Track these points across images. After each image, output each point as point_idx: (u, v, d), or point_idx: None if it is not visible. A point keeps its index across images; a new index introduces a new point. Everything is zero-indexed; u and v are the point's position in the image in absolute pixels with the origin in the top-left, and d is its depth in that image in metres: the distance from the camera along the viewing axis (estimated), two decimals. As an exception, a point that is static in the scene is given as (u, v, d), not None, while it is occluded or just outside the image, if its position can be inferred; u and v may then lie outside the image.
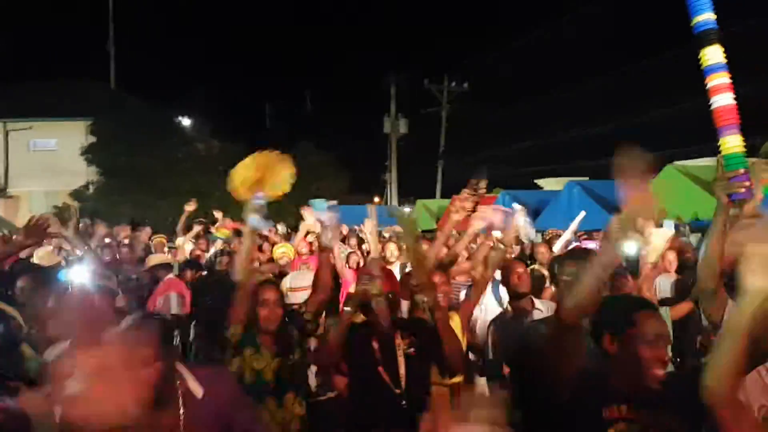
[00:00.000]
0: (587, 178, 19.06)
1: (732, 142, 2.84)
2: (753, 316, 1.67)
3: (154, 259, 7.39)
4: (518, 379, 3.05)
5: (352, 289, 6.15)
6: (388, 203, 31.55)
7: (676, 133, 22.28)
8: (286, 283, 5.32)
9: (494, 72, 32.07)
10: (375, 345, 3.31)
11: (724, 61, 2.89)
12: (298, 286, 5.02)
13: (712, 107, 2.90)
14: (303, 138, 32.43)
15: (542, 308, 4.46)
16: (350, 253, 8.78)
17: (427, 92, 31.50)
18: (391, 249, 7.61)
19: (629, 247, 4.37)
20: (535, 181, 21.98)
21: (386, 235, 15.19)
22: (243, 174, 3.68)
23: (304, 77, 38.65)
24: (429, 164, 32.17)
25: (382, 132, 32.05)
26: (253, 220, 3.35)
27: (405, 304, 3.74)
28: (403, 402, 3.20)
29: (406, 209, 25.43)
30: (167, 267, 7.17)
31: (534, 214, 14.62)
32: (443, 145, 31.44)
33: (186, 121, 33.75)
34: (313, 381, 4.04)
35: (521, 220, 4.71)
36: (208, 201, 28.65)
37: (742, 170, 2.78)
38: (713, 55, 2.87)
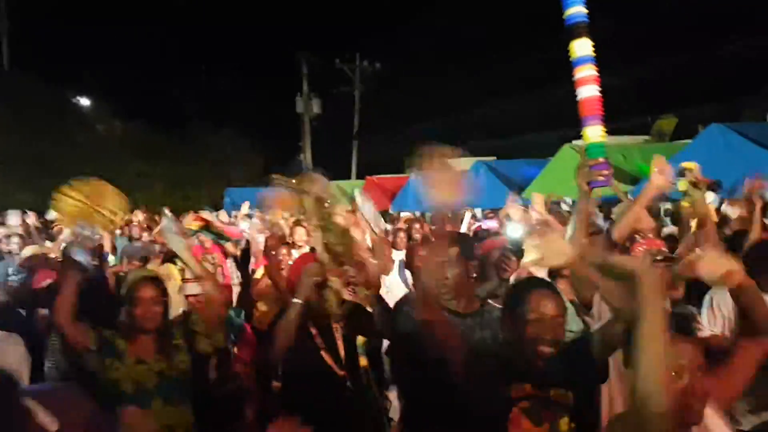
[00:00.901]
0: (494, 157, 19.62)
1: (593, 133, 2.97)
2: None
3: (28, 250, 6.68)
4: (407, 362, 3.10)
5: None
6: (304, 185, 31.18)
7: (574, 112, 23.19)
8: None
9: (406, 51, 32.23)
10: (314, 331, 3.33)
11: (592, 53, 2.99)
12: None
13: (578, 98, 3.01)
14: (210, 118, 31.54)
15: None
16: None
17: (339, 71, 31.29)
18: (300, 233, 7.37)
19: (514, 230, 4.49)
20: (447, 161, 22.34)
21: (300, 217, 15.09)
22: (71, 202, 3.46)
23: (209, 54, 37.29)
24: (343, 145, 32.09)
25: (294, 112, 31.62)
26: (79, 254, 3.14)
27: None
28: (348, 383, 3.28)
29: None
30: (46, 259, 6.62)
31: (444, 193, 14.90)
32: (357, 125, 31.38)
33: (85, 101, 32.03)
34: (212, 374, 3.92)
35: (368, 211, 4.68)
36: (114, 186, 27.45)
37: (601, 159, 2.92)
38: (581, 47, 2.96)
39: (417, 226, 8.55)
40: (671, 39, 23.23)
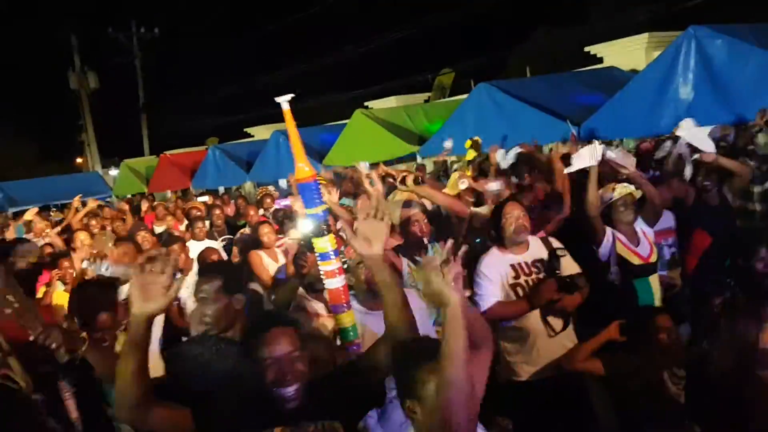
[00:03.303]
0: (295, 123, 19.61)
1: (346, 319, 2.82)
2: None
3: None
4: None
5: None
6: (91, 167, 28.69)
7: (364, 73, 23.96)
8: None
9: (185, 14, 30.57)
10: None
11: (334, 247, 2.79)
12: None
13: (326, 288, 2.81)
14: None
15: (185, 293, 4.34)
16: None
17: (114, 41, 28.76)
18: (81, 237, 6.74)
19: (304, 225, 4.54)
20: (246, 129, 21.89)
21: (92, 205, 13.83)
22: None
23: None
24: (131, 120, 29.84)
25: (68, 88, 28.57)
26: None
27: None
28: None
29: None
30: None
31: (246, 166, 14.64)
32: (143, 99, 29.29)
33: None
34: None
35: None
36: None
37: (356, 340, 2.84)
38: (324, 244, 2.77)
39: (218, 212, 8.32)
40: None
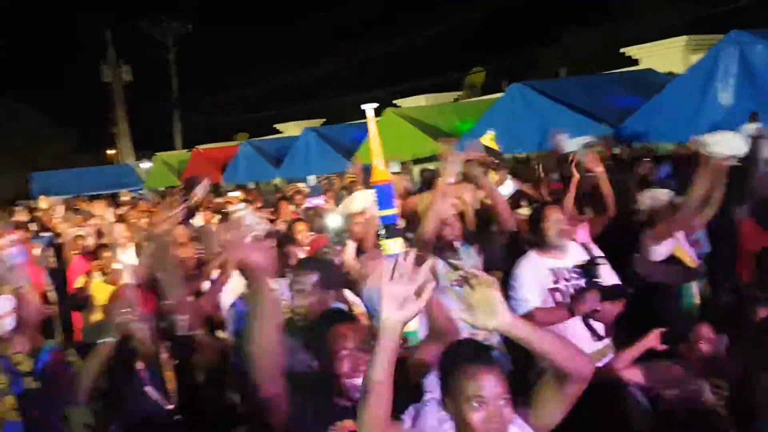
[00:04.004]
0: (324, 120, 19.73)
1: None
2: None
3: None
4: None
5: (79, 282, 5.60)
6: (123, 160, 29.15)
7: (394, 71, 23.94)
8: None
9: (218, 9, 30.85)
10: (139, 365, 3.19)
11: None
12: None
13: None
14: (5, 93, 28.06)
15: (277, 286, 4.54)
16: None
17: (148, 35, 29.17)
18: (119, 230, 6.81)
19: (333, 221, 4.53)
20: (276, 125, 22.05)
21: (124, 198, 14.04)
22: None
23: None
24: (164, 114, 30.25)
25: (101, 81, 29.06)
26: None
27: None
28: (176, 416, 3.20)
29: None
30: None
31: (276, 162, 14.78)
32: (176, 93, 29.66)
33: None
34: None
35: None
36: None
37: None
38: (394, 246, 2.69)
39: (251, 207, 8.39)
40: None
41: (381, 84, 21.83)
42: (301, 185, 10.29)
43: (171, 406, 3.19)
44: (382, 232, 2.86)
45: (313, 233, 6.00)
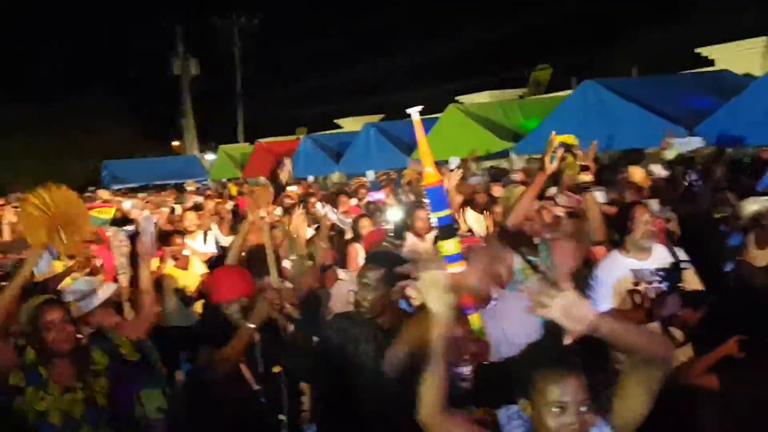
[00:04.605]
0: (383, 116, 19.74)
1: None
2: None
3: None
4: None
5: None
6: (188, 151, 29.97)
7: (456, 68, 23.75)
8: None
9: (284, 4, 31.30)
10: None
11: (459, 251, 2.75)
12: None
13: None
14: (80, 84, 29.29)
15: (346, 277, 4.57)
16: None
17: (216, 29, 29.90)
18: (191, 218, 7.03)
19: (393, 214, 4.48)
20: (335, 120, 22.22)
21: (190, 188, 14.40)
22: (35, 217, 3.27)
23: (74, 18, 34.26)
24: (228, 107, 30.94)
25: (171, 74, 29.96)
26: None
27: None
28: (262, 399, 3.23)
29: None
30: None
31: (336, 156, 14.89)
32: (240, 87, 30.29)
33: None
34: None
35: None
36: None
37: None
38: (450, 247, 2.74)
39: (312, 200, 8.44)
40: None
41: (442, 80, 21.72)
42: (364, 180, 10.31)
43: (257, 387, 3.21)
44: (437, 233, 2.83)
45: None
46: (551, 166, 3.52)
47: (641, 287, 3.48)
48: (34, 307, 2.92)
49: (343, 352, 2.78)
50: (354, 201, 8.53)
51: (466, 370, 2.15)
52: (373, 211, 7.24)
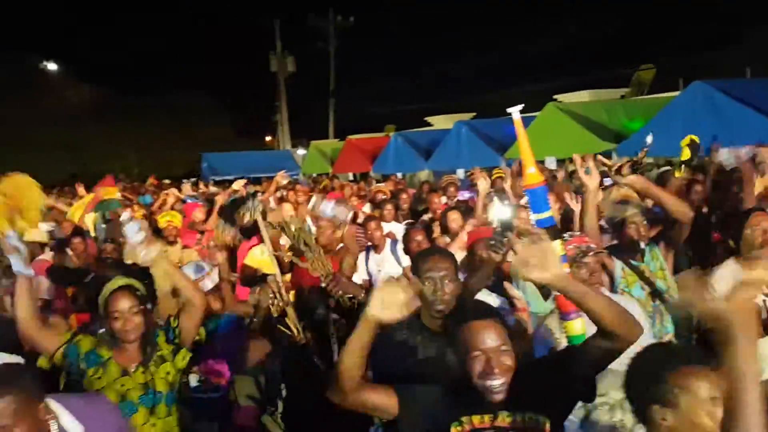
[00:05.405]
0: (474, 114, 19.50)
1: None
2: None
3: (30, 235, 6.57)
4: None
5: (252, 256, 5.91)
6: (281, 146, 30.85)
7: (558, 64, 23.07)
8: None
9: (380, 3, 31.55)
10: (309, 334, 3.31)
11: (563, 253, 2.65)
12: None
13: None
14: (180, 79, 30.75)
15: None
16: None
17: (312, 28, 30.56)
18: (287, 209, 7.22)
19: (502, 212, 4.37)
20: (426, 118, 22.17)
21: (282, 182, 14.76)
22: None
23: (178, 16, 36.13)
24: (320, 103, 31.61)
25: (268, 71, 30.93)
26: (17, 264, 2.96)
27: None
28: None
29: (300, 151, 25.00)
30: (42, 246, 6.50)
31: (426, 154, 14.83)
32: (333, 84, 30.85)
33: (53, 66, 31.00)
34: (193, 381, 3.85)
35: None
36: (85, 156, 26.89)
37: None
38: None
39: (404, 196, 8.42)
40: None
41: (536, 79, 21.19)
42: (455, 177, 10.18)
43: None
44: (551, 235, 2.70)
45: (463, 226, 5.89)
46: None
47: (758, 300, 3.21)
48: (108, 292, 2.97)
49: (399, 366, 2.66)
50: (444, 199, 8.44)
51: (498, 383, 2.03)
52: (464, 210, 7.13)
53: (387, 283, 2.01)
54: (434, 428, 2.08)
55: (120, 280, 3.05)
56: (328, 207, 4.44)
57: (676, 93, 10.61)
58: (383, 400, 2.16)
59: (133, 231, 2.99)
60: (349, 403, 2.13)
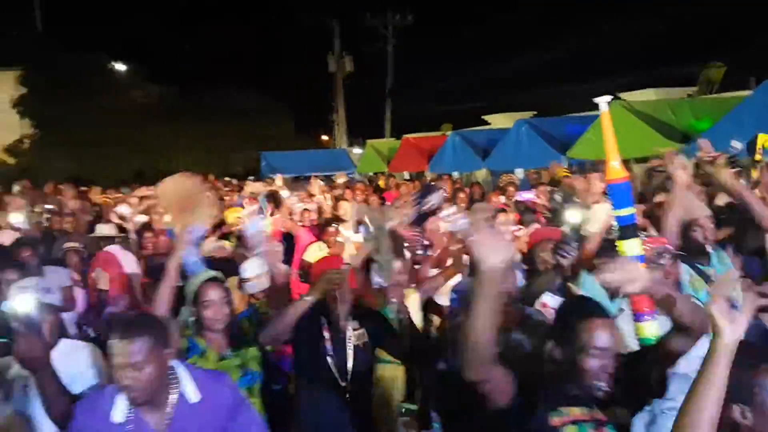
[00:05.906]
0: (534, 113, 19.20)
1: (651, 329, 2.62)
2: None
3: (101, 230, 6.86)
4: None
5: (311, 252, 6.01)
6: (337, 144, 31.20)
7: (620, 61, 22.47)
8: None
9: (438, 3, 31.49)
10: (326, 334, 3.30)
11: (641, 252, 2.66)
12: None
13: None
14: (240, 79, 31.47)
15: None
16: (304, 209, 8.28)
17: (370, 28, 30.78)
18: (345, 207, 7.30)
19: (573, 215, 4.30)
20: (483, 117, 21.97)
21: (340, 180, 14.91)
22: (168, 200, 3.61)
23: (240, 17, 37.00)
24: (377, 103, 31.78)
25: (326, 71, 31.32)
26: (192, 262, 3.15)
27: None
28: (347, 396, 3.24)
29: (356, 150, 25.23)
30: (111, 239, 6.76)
31: (483, 153, 14.69)
32: (390, 83, 30.99)
33: (120, 66, 32.23)
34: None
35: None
36: (150, 155, 27.85)
37: None
38: (632, 247, 2.59)
39: (462, 195, 8.40)
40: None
41: (598, 76, 20.72)
42: (514, 177, 10.07)
43: (344, 384, 3.26)
44: (618, 232, 2.66)
45: (521, 227, 5.81)
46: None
47: None
48: (199, 283, 3.17)
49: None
50: (502, 198, 8.37)
51: (605, 384, 2.07)
52: (523, 210, 7.05)
53: (482, 232, 1.90)
54: (533, 416, 2.08)
55: (209, 273, 3.27)
56: (456, 219, 4.20)
57: (747, 92, 10.17)
58: (507, 381, 2.08)
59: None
60: (481, 375, 2.01)
